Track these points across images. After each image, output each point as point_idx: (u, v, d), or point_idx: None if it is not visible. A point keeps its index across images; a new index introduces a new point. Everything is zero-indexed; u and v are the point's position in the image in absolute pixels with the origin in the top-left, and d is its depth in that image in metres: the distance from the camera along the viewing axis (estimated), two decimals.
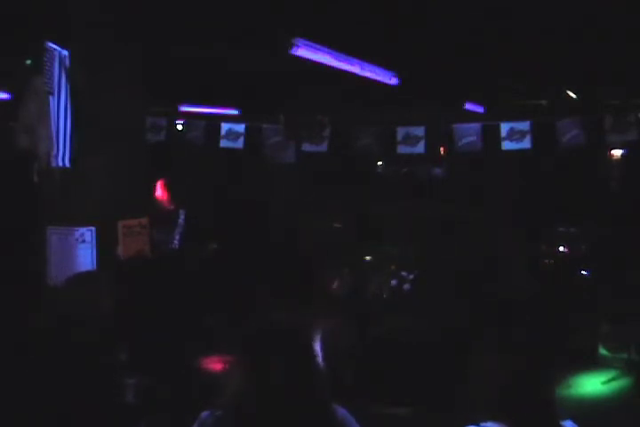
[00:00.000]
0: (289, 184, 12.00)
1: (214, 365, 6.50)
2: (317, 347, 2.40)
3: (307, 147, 10.03)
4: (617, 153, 12.19)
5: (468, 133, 9.41)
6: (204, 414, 2.41)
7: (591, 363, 7.22)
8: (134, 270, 5.36)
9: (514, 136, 9.10)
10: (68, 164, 5.10)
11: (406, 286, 8.04)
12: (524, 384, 2.26)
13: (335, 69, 6.49)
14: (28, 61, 5.35)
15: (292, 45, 5.49)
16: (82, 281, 3.82)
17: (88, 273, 4.61)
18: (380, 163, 13.84)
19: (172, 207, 7.25)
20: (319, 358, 2.39)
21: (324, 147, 9.92)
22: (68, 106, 5.08)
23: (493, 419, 2.22)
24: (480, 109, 10.11)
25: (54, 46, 4.99)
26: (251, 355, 2.38)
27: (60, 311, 3.56)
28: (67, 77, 5.04)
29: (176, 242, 7.16)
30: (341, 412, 2.43)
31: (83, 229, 5.23)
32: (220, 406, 2.38)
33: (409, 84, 7.67)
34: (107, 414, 3.37)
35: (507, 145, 9.18)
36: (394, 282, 8.09)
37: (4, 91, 7.77)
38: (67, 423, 3.22)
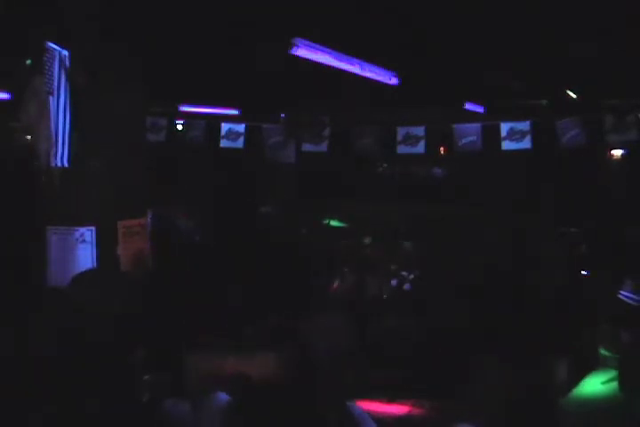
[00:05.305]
0: (289, 184, 12.01)
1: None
2: (317, 346, 2.41)
3: (307, 147, 10.04)
4: (617, 153, 12.20)
5: (468, 133, 9.42)
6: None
7: (591, 363, 7.20)
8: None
9: (514, 136, 9.10)
10: (67, 163, 5.10)
11: (406, 286, 8.04)
12: (527, 398, 2.26)
13: (335, 69, 6.49)
14: (28, 61, 5.34)
15: (292, 45, 5.49)
16: (93, 280, 3.79)
17: (97, 272, 4.60)
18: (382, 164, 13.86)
19: None
20: (319, 358, 2.41)
21: (323, 147, 9.93)
22: (68, 106, 5.07)
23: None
24: (480, 109, 10.10)
25: (54, 46, 4.98)
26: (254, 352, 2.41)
27: (73, 311, 3.55)
28: (67, 77, 5.04)
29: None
30: (357, 409, 2.46)
31: (83, 229, 5.23)
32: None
33: (409, 84, 7.67)
34: (125, 410, 3.36)
35: (507, 145, 9.19)
36: (394, 282, 8.09)
37: (4, 91, 7.77)
38: (85, 421, 3.22)
